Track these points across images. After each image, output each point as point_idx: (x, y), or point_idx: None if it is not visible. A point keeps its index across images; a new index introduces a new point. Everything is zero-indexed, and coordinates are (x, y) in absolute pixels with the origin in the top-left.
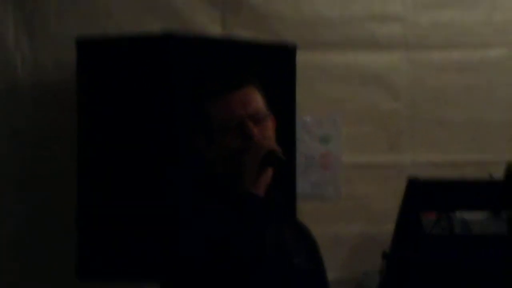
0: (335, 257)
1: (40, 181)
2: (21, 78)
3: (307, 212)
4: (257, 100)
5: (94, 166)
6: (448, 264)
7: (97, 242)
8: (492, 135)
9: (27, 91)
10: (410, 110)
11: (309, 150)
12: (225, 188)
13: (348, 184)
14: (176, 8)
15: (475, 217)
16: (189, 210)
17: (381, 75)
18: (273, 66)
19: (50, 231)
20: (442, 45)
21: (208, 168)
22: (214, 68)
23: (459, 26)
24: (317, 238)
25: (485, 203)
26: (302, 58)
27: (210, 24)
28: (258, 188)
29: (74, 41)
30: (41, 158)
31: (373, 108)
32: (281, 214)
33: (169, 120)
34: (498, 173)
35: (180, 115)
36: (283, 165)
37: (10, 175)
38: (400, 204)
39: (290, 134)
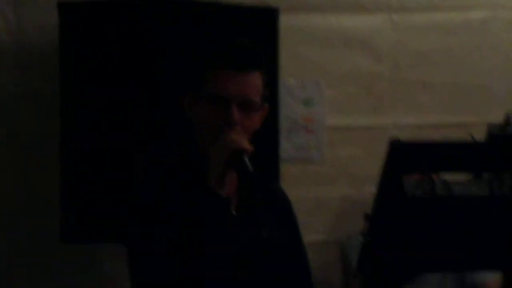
0: (319, 220)
1: (23, 144)
2: (4, 42)
3: (291, 175)
4: (256, 89)
5: (77, 130)
6: (430, 224)
7: (81, 205)
8: (474, 97)
9: (10, 55)
10: (393, 72)
11: (293, 113)
12: (196, 168)
13: (331, 146)
14: None
15: (456, 178)
16: (158, 183)
17: (364, 38)
18: (256, 29)
19: (33, 194)
20: (424, 8)
21: (188, 129)
22: (197, 32)
23: None
24: (301, 201)
25: (467, 164)
26: (285, 21)
27: None
28: (221, 185)
29: (56, 5)
30: (24, 122)
31: (356, 71)
32: (255, 183)
33: (152, 83)
34: (480, 135)
35: (162, 78)
36: (246, 173)
37: None
38: (382, 166)
39: (273, 97)
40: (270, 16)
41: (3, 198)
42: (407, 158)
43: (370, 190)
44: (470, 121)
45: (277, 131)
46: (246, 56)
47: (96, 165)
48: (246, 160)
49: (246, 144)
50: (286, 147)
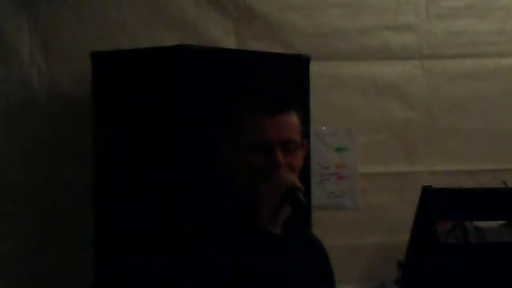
0: (353, 268)
1: (55, 193)
2: (37, 92)
3: (324, 223)
4: (294, 128)
5: (110, 180)
6: (463, 272)
7: (114, 257)
8: (507, 144)
9: (43, 105)
10: (425, 119)
11: (325, 160)
12: (243, 213)
13: (364, 194)
14: (190, 21)
15: (489, 225)
16: (203, 233)
17: (395, 85)
18: (287, 77)
19: (65, 245)
20: (456, 54)
21: (230, 177)
22: (229, 80)
23: (472, 35)
24: (333, 249)
25: (500, 211)
26: (316, 68)
27: (224, 36)
28: (275, 223)
29: (89, 55)
30: (56, 171)
31: (388, 118)
32: (295, 232)
33: (184, 132)
34: None
35: (195, 127)
36: (302, 207)
37: (26, 189)
38: (415, 213)
39: None
40: (301, 64)
41: (36, 246)
42: (440, 205)
43: (404, 237)
44: (504, 168)
45: (309, 178)
46: (279, 97)
47: (129, 216)
48: (301, 195)
49: (297, 182)
50: (318, 194)
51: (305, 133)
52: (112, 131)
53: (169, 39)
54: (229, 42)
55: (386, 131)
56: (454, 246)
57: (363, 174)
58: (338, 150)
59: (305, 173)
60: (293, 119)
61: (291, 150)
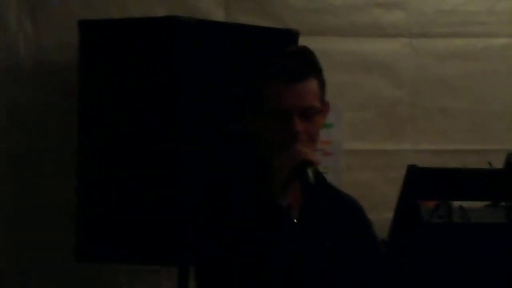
0: None
1: (39, 161)
2: (23, 58)
3: None
4: (313, 95)
5: (94, 148)
6: (446, 252)
7: (96, 225)
8: (494, 124)
9: (29, 72)
10: (413, 98)
11: None
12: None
13: (349, 171)
14: None
15: (473, 206)
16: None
17: (384, 63)
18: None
19: (47, 213)
20: (445, 33)
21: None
22: (217, 52)
23: (462, 15)
24: None
25: (484, 192)
26: (305, 44)
27: (213, 9)
28: (282, 196)
29: (77, 23)
30: (40, 139)
31: (375, 95)
32: (317, 194)
33: (172, 103)
34: (499, 162)
35: (183, 98)
36: (307, 185)
37: (10, 155)
38: (399, 191)
39: None
40: (290, 39)
41: (18, 215)
42: (424, 184)
43: (387, 215)
44: (489, 149)
45: None
46: (298, 65)
47: (114, 184)
48: (309, 171)
49: (312, 156)
50: None
51: (324, 97)
52: (98, 99)
53: (159, 11)
54: (219, 15)
55: (373, 108)
56: (437, 226)
57: (349, 151)
58: (325, 126)
59: (317, 186)
60: (313, 85)
61: (310, 117)
